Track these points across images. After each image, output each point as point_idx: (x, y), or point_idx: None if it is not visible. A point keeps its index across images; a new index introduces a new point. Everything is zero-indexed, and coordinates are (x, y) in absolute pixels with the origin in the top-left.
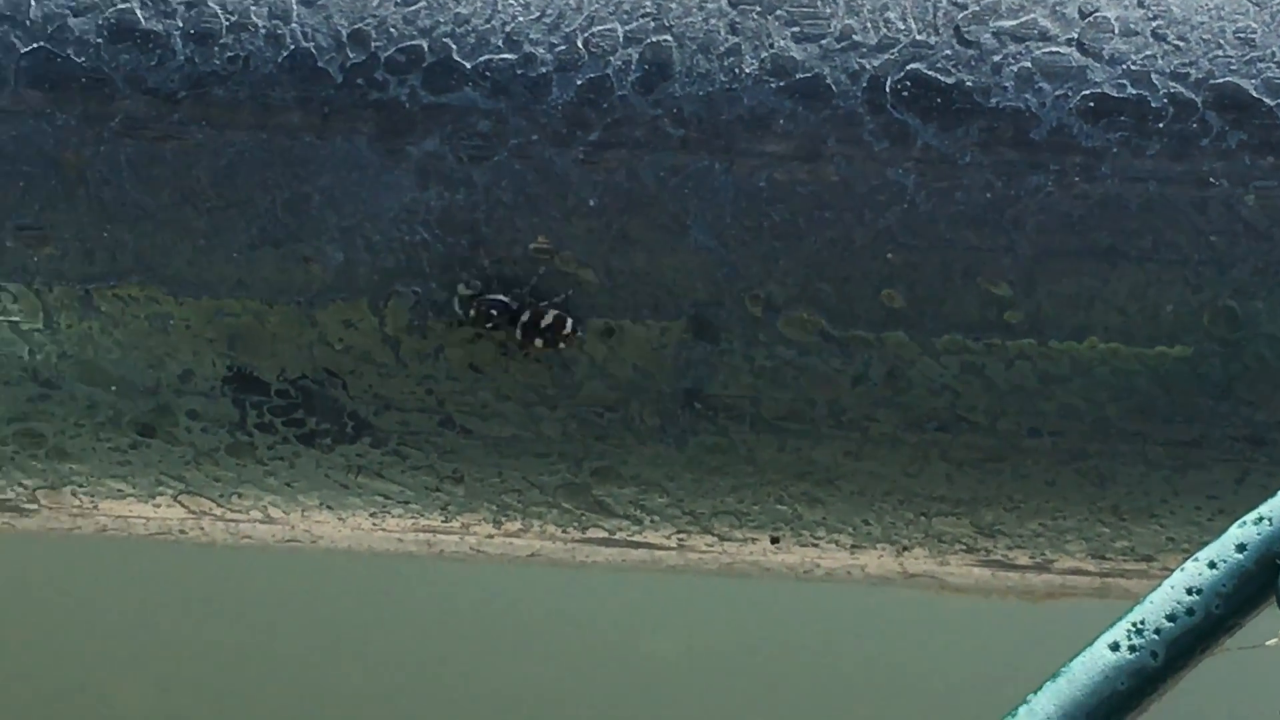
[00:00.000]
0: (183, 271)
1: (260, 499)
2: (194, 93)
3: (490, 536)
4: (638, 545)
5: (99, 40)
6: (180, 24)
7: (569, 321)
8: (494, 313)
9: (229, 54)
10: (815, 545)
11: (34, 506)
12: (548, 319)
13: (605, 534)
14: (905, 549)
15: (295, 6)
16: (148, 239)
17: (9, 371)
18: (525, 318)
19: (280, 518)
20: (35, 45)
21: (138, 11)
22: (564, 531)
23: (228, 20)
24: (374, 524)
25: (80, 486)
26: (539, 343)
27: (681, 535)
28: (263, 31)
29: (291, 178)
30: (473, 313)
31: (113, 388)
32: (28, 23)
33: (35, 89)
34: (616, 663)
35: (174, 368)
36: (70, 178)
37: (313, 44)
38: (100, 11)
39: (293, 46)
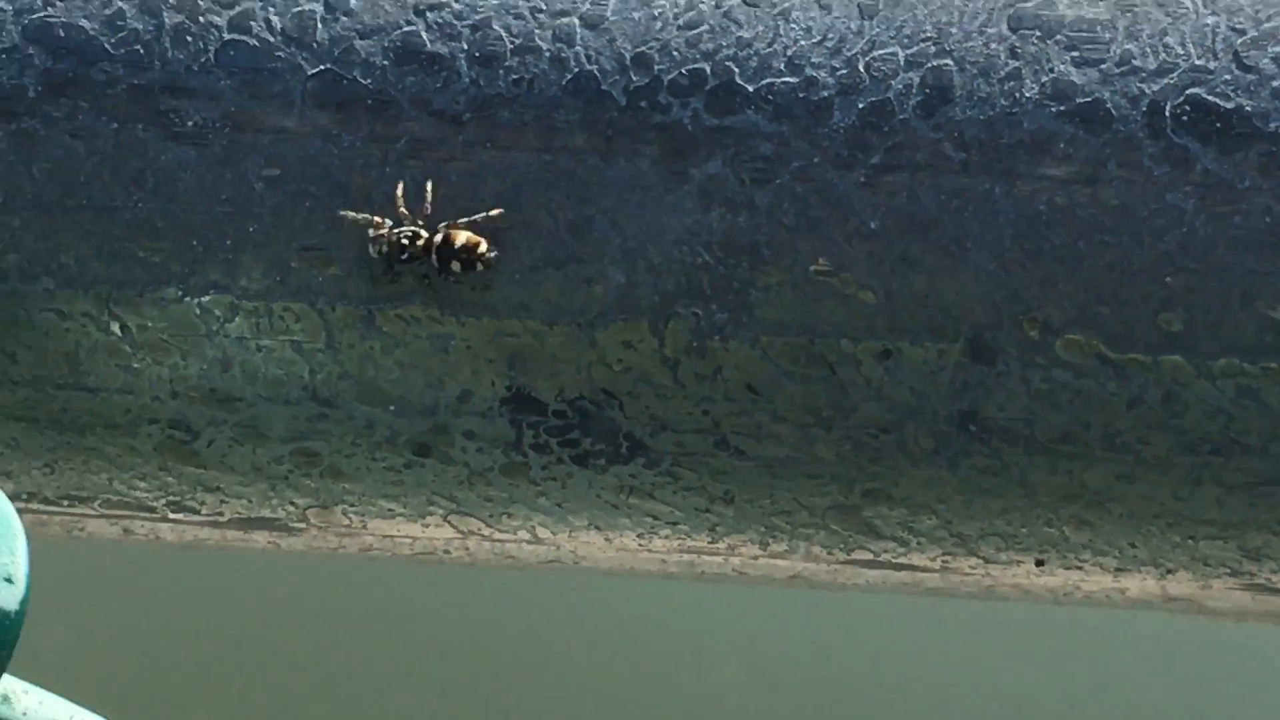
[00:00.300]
0: (465, 293)
1: (530, 519)
2: (479, 115)
3: (755, 558)
4: (901, 568)
5: (385, 63)
6: (465, 47)
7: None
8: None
9: (514, 77)
10: (1079, 568)
11: (302, 526)
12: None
13: (870, 556)
14: (1169, 572)
15: (579, 30)
16: None
17: (290, 391)
18: None
19: (548, 538)
20: (322, 67)
21: (423, 34)
22: (829, 553)
23: (512, 44)
24: (640, 544)
25: (351, 506)
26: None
27: (946, 557)
28: (547, 55)
29: (575, 199)
30: None
31: (390, 407)
32: (315, 45)
33: (322, 110)
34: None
35: (453, 388)
36: (356, 199)
37: (596, 67)
38: (386, 34)
39: (577, 70)
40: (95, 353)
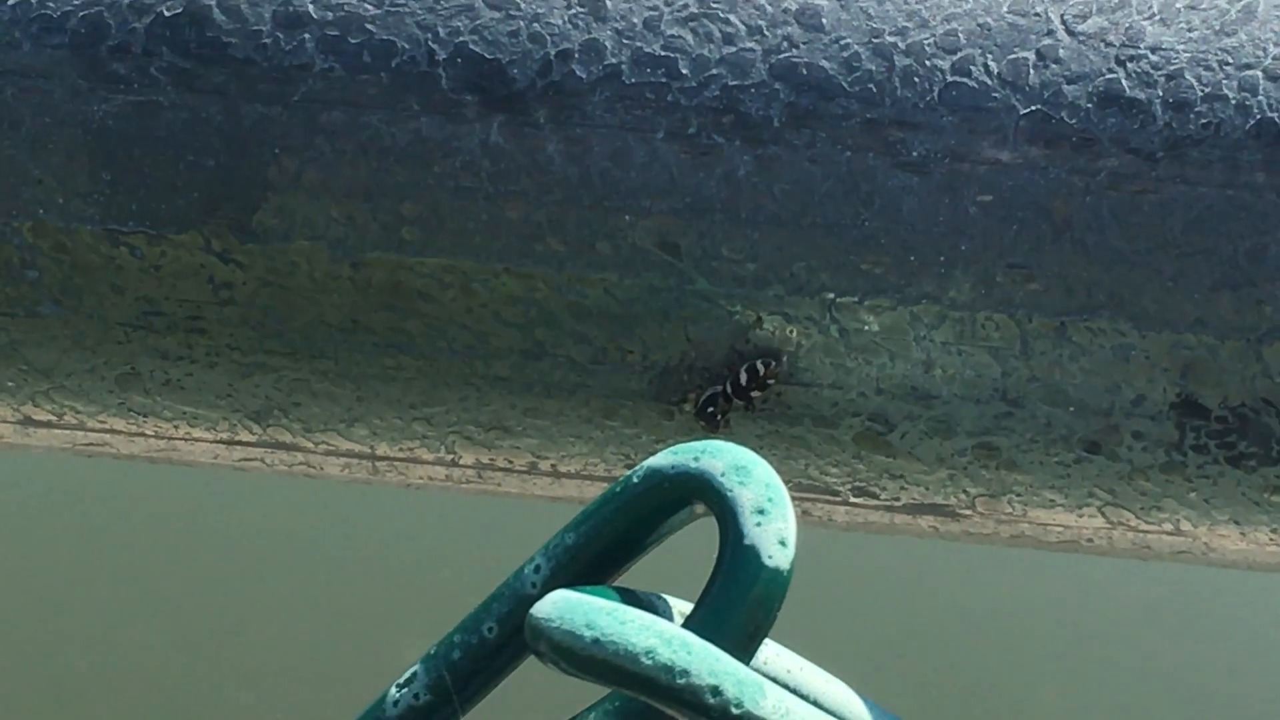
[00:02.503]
0: (1149, 309)
1: (1176, 513)
2: (1171, 154)
3: None
4: None
5: (1089, 105)
6: (1160, 94)
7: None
8: None
9: (1203, 121)
10: None
11: (968, 513)
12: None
13: None
14: None
15: (1262, 81)
16: (1121, 279)
17: (981, 391)
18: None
19: (1188, 530)
20: (1034, 108)
21: (1124, 82)
22: None
23: (1202, 91)
24: (1271, 539)
25: (1018, 496)
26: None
27: None
28: (1233, 102)
29: (1252, 230)
30: None
31: (1070, 408)
32: (1027, 88)
33: (1032, 145)
34: None
35: (1128, 393)
36: (1058, 223)
37: (1277, 114)
38: (1090, 80)
39: (1259, 116)
40: (813, 352)
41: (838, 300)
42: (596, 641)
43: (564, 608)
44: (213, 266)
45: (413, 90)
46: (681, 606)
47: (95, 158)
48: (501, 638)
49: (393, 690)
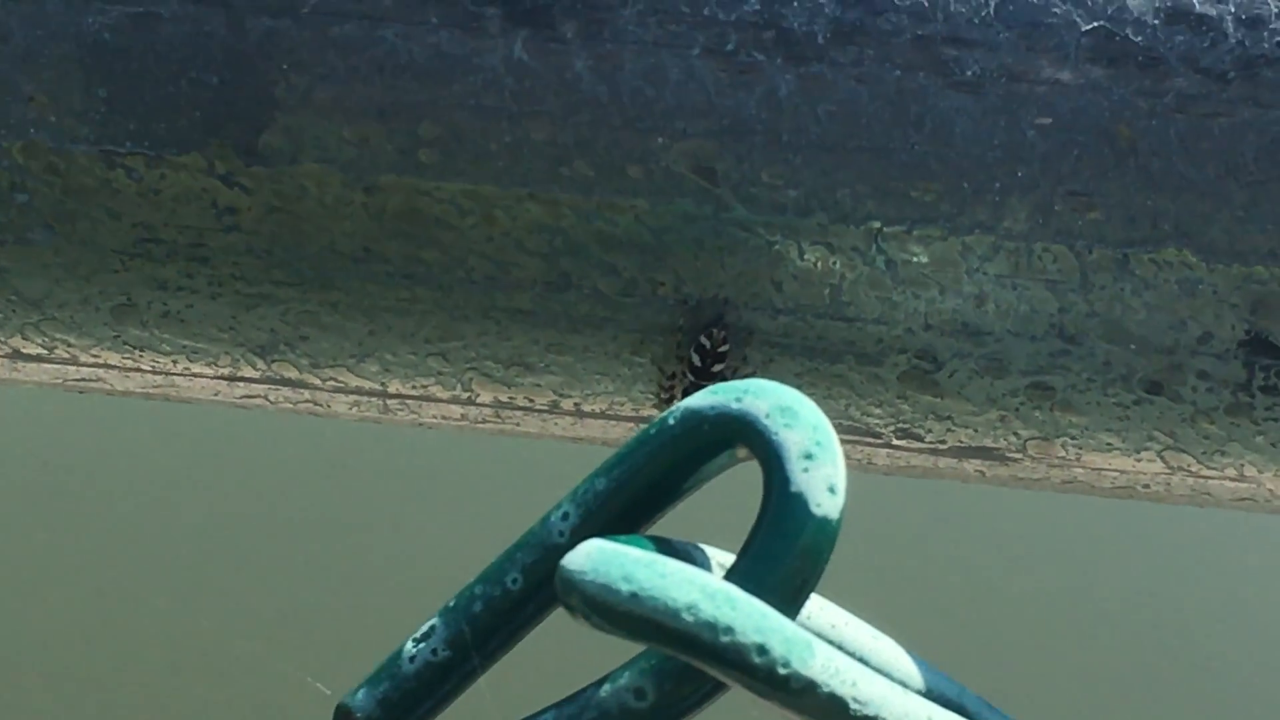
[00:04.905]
0: (1217, 240)
1: (1241, 458)
2: (1243, 73)
3: None
4: None
5: (1155, 21)
6: (1233, 10)
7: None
8: None
9: (1278, 38)
10: None
11: (1018, 456)
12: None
13: None
14: None
15: None
16: (1188, 208)
17: (1036, 327)
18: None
19: (1252, 475)
20: (1096, 24)
21: None
22: None
23: (1277, 7)
24: None
25: (1072, 439)
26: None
27: None
28: None
29: None
30: None
31: (1131, 346)
32: (1089, 2)
33: (1095, 64)
34: None
35: (1194, 330)
36: (1121, 149)
37: None
38: None
39: None
40: (858, 285)
41: (884, 230)
42: (634, 596)
43: (598, 559)
44: (216, 190)
45: (431, 2)
46: (720, 557)
47: (90, 73)
48: (526, 589)
49: (409, 645)
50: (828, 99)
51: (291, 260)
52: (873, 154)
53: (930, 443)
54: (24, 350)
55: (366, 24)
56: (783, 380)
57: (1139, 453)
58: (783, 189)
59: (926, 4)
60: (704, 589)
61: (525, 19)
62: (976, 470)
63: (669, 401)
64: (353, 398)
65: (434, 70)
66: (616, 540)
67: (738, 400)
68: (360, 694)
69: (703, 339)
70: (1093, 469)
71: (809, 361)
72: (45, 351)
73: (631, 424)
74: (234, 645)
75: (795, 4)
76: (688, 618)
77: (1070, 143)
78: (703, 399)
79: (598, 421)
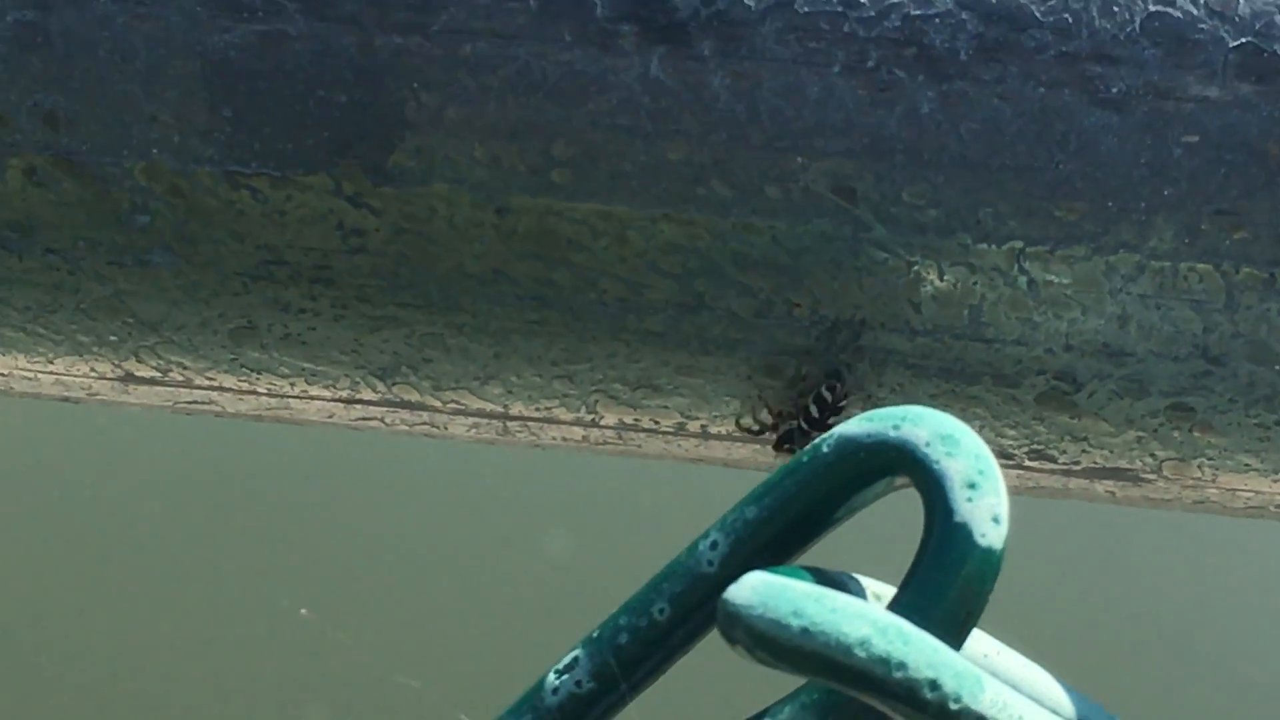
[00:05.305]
0: None
1: None
2: None
3: None
4: None
5: None
6: None
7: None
8: None
9: None
10: None
11: (1152, 477)
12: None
13: None
14: None
15: None
16: None
17: (1180, 348)
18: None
19: None
20: (1244, 40)
21: None
22: None
23: None
24: None
25: (1209, 460)
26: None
27: None
28: None
29: None
30: None
31: (1277, 367)
32: (1237, 19)
33: (1243, 81)
34: None
35: None
36: (1271, 167)
37: None
38: None
39: None
40: (998, 306)
41: (1027, 249)
42: (805, 631)
43: (765, 593)
44: (343, 211)
45: (565, 19)
46: (874, 587)
47: (215, 93)
48: (674, 619)
49: (550, 677)
50: (970, 117)
51: (418, 282)
52: (1016, 173)
53: (1064, 464)
54: (137, 373)
55: (499, 42)
56: (919, 402)
57: (1277, 473)
58: (923, 209)
59: (1070, 20)
60: (875, 624)
61: (661, 36)
62: (1107, 491)
63: (756, 434)
64: (473, 420)
65: (568, 89)
66: (777, 572)
67: (895, 428)
68: None
69: (824, 390)
70: (1227, 489)
71: (945, 383)
72: (159, 374)
73: (757, 446)
74: (235, 653)
75: (937, 21)
76: (860, 653)
77: (1218, 161)
78: (858, 425)
79: (722, 443)
